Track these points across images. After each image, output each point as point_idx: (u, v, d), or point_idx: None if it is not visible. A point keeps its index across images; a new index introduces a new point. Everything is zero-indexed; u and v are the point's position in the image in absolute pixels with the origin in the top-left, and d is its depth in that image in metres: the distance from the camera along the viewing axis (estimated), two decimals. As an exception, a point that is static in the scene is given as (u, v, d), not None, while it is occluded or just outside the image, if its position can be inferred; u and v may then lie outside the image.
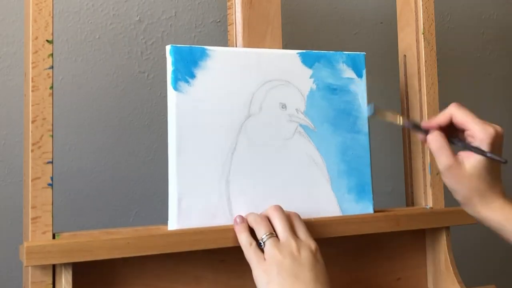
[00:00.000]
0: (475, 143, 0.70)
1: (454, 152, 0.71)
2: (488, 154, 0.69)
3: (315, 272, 0.67)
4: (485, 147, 0.69)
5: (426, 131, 0.74)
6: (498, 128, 0.71)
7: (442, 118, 0.73)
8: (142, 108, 1.03)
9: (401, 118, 0.78)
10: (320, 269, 0.68)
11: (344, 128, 0.82)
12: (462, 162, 0.70)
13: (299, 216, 0.73)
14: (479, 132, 0.69)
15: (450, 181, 0.71)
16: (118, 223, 0.99)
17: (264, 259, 0.68)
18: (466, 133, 0.71)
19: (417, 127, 0.76)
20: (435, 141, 0.71)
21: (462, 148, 0.72)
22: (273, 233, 0.69)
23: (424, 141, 0.75)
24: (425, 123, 0.74)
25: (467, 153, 0.70)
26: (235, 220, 0.72)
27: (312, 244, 0.70)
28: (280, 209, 0.72)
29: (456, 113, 0.72)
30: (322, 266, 0.69)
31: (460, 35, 1.38)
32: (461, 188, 0.70)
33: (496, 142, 0.70)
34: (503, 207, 0.70)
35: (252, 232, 0.71)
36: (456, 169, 0.70)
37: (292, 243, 0.68)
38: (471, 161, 0.70)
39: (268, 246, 0.68)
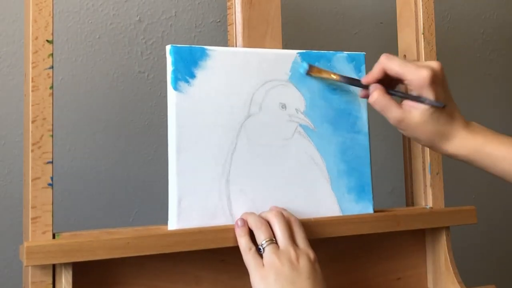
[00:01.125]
0: (414, 90, 0.69)
1: (399, 103, 0.71)
2: (426, 101, 0.68)
3: (313, 281, 0.67)
4: (425, 90, 0.68)
5: (365, 85, 0.74)
6: (434, 64, 0.70)
7: (376, 72, 0.72)
8: (142, 108, 1.03)
9: (336, 75, 0.78)
10: (318, 279, 0.68)
11: (344, 128, 0.82)
12: (410, 111, 0.70)
13: (299, 222, 0.73)
14: (414, 79, 0.69)
15: (406, 132, 0.71)
16: (118, 223, 0.99)
17: (263, 265, 0.68)
18: (404, 82, 0.71)
19: (354, 82, 0.76)
20: (379, 101, 0.71)
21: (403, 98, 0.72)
22: (273, 240, 0.69)
23: (365, 97, 0.75)
24: (364, 79, 0.74)
25: (411, 102, 0.70)
26: (236, 223, 0.72)
27: (311, 253, 0.70)
28: (280, 215, 0.72)
29: (387, 65, 0.71)
30: (320, 275, 0.69)
31: (460, 35, 1.38)
32: (419, 135, 0.70)
33: (436, 81, 0.69)
34: (465, 140, 0.70)
35: (252, 235, 0.71)
36: (407, 120, 0.70)
37: (291, 251, 0.68)
38: (419, 108, 0.69)
39: (267, 252, 0.68)
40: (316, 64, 0.80)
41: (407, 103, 0.70)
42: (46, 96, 0.67)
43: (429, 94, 0.69)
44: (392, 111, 0.70)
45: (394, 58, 0.71)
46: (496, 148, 0.69)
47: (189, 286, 0.74)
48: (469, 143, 0.70)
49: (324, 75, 0.79)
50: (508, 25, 1.46)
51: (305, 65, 0.79)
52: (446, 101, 0.70)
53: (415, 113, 0.69)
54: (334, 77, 0.78)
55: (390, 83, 0.73)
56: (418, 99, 0.69)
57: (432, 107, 0.69)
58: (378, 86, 0.72)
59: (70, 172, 0.97)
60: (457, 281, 0.86)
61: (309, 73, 0.79)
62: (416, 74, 0.69)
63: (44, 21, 0.68)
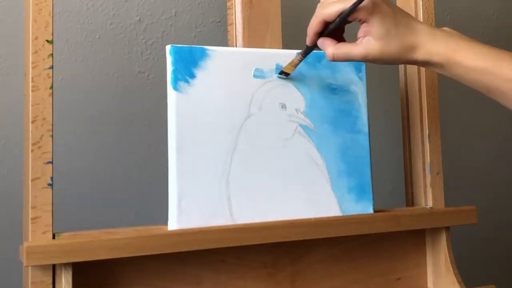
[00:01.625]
0: (361, 19, 0.68)
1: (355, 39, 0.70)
2: (352, 6, 0.66)
3: None
4: (369, 16, 0.67)
5: (314, 45, 0.72)
6: None
7: (315, 26, 0.70)
8: (142, 108, 1.03)
9: (298, 56, 0.76)
10: None
11: (344, 128, 0.82)
12: (369, 42, 0.68)
13: None
14: (361, 9, 0.67)
15: (379, 62, 0.70)
16: (118, 223, 0.99)
17: None
18: (350, 17, 0.68)
19: (308, 49, 0.74)
20: (337, 56, 0.69)
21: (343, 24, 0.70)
22: None
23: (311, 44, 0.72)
24: (308, 40, 0.72)
25: (364, 29, 0.68)
26: None
27: None
28: None
29: (324, 11, 0.69)
30: None
31: (460, 35, 1.38)
32: (388, 57, 0.68)
33: (377, 4, 0.68)
34: (435, 47, 0.68)
35: None
36: (372, 52, 0.68)
37: None
38: (373, 31, 0.68)
39: None
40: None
41: (361, 35, 0.69)
42: (46, 96, 0.67)
43: (374, 18, 0.67)
44: (354, 52, 0.69)
45: (329, 3, 0.69)
46: (467, 57, 0.68)
47: (190, 286, 0.74)
48: (440, 50, 0.68)
49: (294, 62, 0.77)
50: (508, 25, 1.46)
51: (277, 74, 0.79)
52: (397, 14, 0.69)
53: (374, 40, 0.68)
54: (300, 57, 0.76)
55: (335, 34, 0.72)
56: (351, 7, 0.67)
57: (385, 25, 0.67)
58: (326, 41, 0.70)
59: (70, 172, 0.97)
60: (457, 281, 0.86)
61: (283, 73, 0.78)
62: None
63: (44, 21, 0.68)
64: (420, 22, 0.71)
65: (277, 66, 0.79)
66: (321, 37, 0.71)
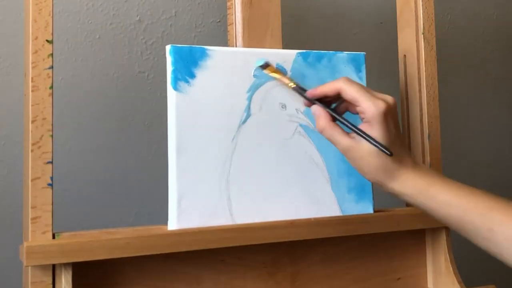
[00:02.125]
0: (365, 119, 0.67)
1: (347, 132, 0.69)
2: (375, 143, 0.65)
3: None
4: (376, 122, 0.66)
5: (311, 99, 0.71)
6: (389, 99, 0.68)
7: (328, 89, 0.69)
8: (142, 108, 1.03)
9: (291, 82, 0.74)
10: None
11: (344, 128, 0.82)
12: (360, 141, 0.67)
13: None
14: (368, 107, 0.66)
15: (353, 163, 0.68)
16: (118, 223, 0.99)
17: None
18: (357, 108, 0.68)
19: (303, 93, 0.72)
20: (326, 130, 0.68)
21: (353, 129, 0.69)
22: None
23: (308, 106, 0.72)
24: (310, 92, 0.71)
25: (364, 127, 0.67)
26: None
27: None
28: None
29: (346, 88, 0.68)
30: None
31: (460, 35, 1.38)
32: (365, 168, 0.67)
33: (389, 115, 0.67)
34: (411, 180, 0.67)
35: None
36: (354, 152, 0.67)
37: None
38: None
39: None
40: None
41: (360, 125, 0.68)
42: (46, 96, 0.67)
43: (379, 127, 0.66)
44: (340, 141, 0.67)
45: (354, 84, 0.68)
46: (441, 191, 0.66)
47: (189, 286, 0.74)
48: (415, 183, 0.67)
49: (277, 76, 0.76)
50: (508, 25, 1.46)
51: (262, 62, 0.77)
52: (396, 138, 0.68)
53: (364, 144, 0.66)
54: (289, 83, 0.74)
55: (330, 101, 0.71)
56: (367, 137, 0.66)
57: (383, 137, 0.66)
58: (322, 112, 0.69)
59: (70, 172, 0.97)
60: (457, 281, 0.86)
61: (263, 68, 0.77)
62: (372, 103, 0.66)
63: (44, 21, 0.68)
64: (409, 153, 0.70)
65: (277, 66, 0.78)
66: (321, 104, 0.70)
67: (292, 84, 0.74)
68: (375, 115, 0.66)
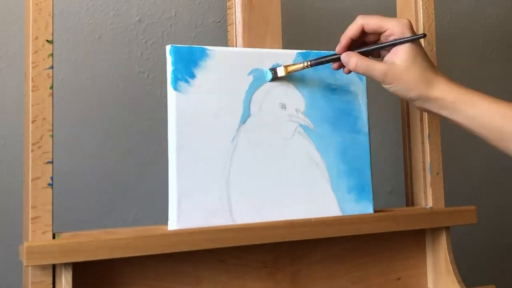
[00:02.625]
0: (394, 36, 0.72)
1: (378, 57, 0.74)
2: (408, 38, 0.71)
3: None
4: (406, 34, 0.71)
5: (337, 58, 0.75)
6: (405, 19, 0.74)
7: (351, 32, 0.74)
8: (142, 108, 1.03)
9: (307, 62, 0.77)
10: None
11: (344, 128, 0.82)
12: (392, 62, 0.71)
13: None
14: (395, 25, 0.72)
15: (394, 87, 0.72)
16: (118, 223, 0.99)
17: None
18: (384, 34, 0.73)
19: (326, 59, 0.76)
20: (360, 65, 0.72)
21: (380, 52, 0.74)
22: None
23: (339, 68, 0.76)
24: (338, 47, 0.75)
25: (392, 52, 0.72)
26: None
27: None
28: None
29: (367, 21, 0.73)
30: None
31: (460, 35, 1.38)
32: (406, 84, 0.71)
33: (412, 29, 0.73)
34: (451, 86, 0.71)
35: None
36: (392, 71, 0.71)
37: None
38: (400, 55, 0.71)
39: None
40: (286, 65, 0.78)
41: (388, 57, 0.72)
42: (46, 96, 0.67)
43: (408, 43, 0.71)
44: (376, 67, 0.71)
45: (372, 15, 0.74)
46: (481, 98, 0.70)
47: (189, 286, 0.74)
48: (454, 89, 0.71)
49: (295, 68, 0.78)
50: (508, 25, 1.46)
51: (269, 73, 0.78)
52: (423, 50, 0.73)
53: (398, 62, 0.71)
54: (306, 64, 0.77)
55: (359, 47, 0.75)
56: (398, 40, 0.71)
57: (414, 47, 0.71)
58: (350, 52, 0.73)
59: (70, 172, 0.97)
60: (457, 281, 0.86)
61: (275, 77, 0.78)
62: (396, 21, 0.72)
63: (44, 21, 0.67)
64: (435, 66, 0.74)
65: (277, 66, 0.78)
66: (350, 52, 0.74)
67: (308, 64, 0.76)
68: (403, 27, 0.71)
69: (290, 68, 0.78)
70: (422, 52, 0.72)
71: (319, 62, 0.76)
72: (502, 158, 1.42)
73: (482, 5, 1.42)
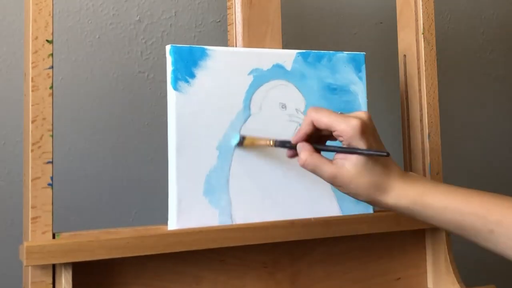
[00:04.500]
0: (345, 141, 0.66)
1: (331, 157, 0.67)
2: (366, 152, 0.64)
3: None
4: (356, 141, 0.65)
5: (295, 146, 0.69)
6: (362, 114, 0.66)
7: (305, 127, 0.68)
8: (142, 108, 1.03)
9: (270, 141, 0.73)
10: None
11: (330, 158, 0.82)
12: (343, 165, 0.65)
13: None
14: (344, 129, 0.65)
15: (343, 189, 0.67)
16: (118, 223, 0.99)
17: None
18: (334, 133, 0.66)
19: (286, 144, 0.71)
20: (308, 162, 0.66)
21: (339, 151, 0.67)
22: None
23: (293, 157, 0.70)
24: (294, 138, 0.69)
25: (341, 154, 0.66)
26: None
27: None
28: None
29: (315, 117, 0.67)
30: None
31: (460, 35, 1.38)
32: (355, 189, 0.66)
33: (366, 131, 0.65)
34: (404, 191, 0.66)
35: None
36: (341, 176, 0.65)
37: None
38: (351, 158, 0.65)
39: None
40: (248, 135, 0.76)
41: (339, 157, 0.66)
42: (46, 96, 0.67)
43: (361, 145, 0.65)
44: (324, 168, 0.66)
45: (322, 110, 0.67)
46: (436, 198, 0.65)
47: (189, 286, 0.74)
48: (408, 193, 0.65)
49: (260, 143, 0.75)
50: (508, 25, 1.46)
51: (237, 138, 0.75)
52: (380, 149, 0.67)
53: (348, 167, 0.65)
54: (269, 143, 0.73)
55: (319, 140, 0.70)
56: (355, 150, 0.65)
57: (364, 158, 0.65)
58: (304, 145, 0.68)
59: (70, 172, 0.97)
60: (457, 281, 0.86)
61: (241, 144, 0.75)
62: (346, 123, 0.65)
63: (44, 21, 0.68)
64: (395, 163, 0.68)
65: (277, 65, 0.78)
66: (305, 142, 0.68)
67: (272, 142, 0.72)
68: (352, 134, 0.64)
69: (255, 142, 0.75)
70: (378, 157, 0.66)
71: (281, 145, 0.72)
72: (502, 158, 1.43)
73: (482, 5, 1.42)
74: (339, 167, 0.65)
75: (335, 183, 0.66)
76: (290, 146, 0.70)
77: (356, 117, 0.65)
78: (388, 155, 0.64)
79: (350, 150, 0.65)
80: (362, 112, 0.67)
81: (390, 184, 0.66)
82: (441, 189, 0.66)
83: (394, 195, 0.66)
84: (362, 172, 0.65)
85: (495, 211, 0.62)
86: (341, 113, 0.67)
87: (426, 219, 0.66)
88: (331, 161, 0.66)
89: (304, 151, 0.67)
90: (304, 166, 0.67)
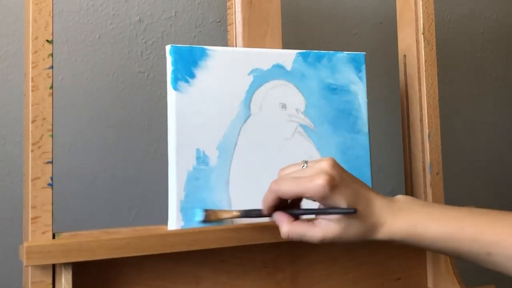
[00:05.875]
0: (319, 202, 0.64)
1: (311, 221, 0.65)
2: (335, 211, 0.63)
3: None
4: (330, 199, 0.62)
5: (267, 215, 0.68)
6: (324, 165, 0.63)
7: (273, 201, 0.66)
8: (142, 108, 1.03)
9: (236, 212, 0.71)
10: None
11: (344, 128, 0.82)
12: (328, 225, 0.63)
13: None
14: (313, 194, 0.62)
15: (338, 242, 0.64)
16: (118, 223, 0.99)
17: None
18: (305, 198, 0.65)
19: (253, 213, 0.70)
20: (292, 234, 0.64)
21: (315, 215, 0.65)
22: None
23: (269, 216, 0.68)
24: (264, 210, 0.67)
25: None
26: None
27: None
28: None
29: (280, 191, 0.64)
30: None
31: (460, 35, 1.38)
32: (348, 240, 0.64)
33: (335, 184, 0.62)
34: (395, 226, 0.64)
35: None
36: (330, 236, 0.63)
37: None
38: (333, 219, 0.63)
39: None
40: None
41: (320, 217, 0.64)
42: (46, 96, 0.67)
43: (335, 201, 0.62)
44: (310, 234, 0.64)
45: (283, 181, 0.64)
46: (429, 228, 0.63)
47: (189, 286, 0.74)
48: (400, 227, 0.64)
49: (224, 216, 0.72)
50: (508, 25, 1.46)
51: (200, 215, 0.72)
52: (355, 195, 0.64)
53: (333, 225, 0.63)
54: (234, 214, 0.72)
55: (292, 203, 0.68)
56: (325, 211, 0.63)
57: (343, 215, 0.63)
58: (281, 217, 0.66)
59: (70, 172, 0.97)
60: (457, 281, 0.86)
61: (205, 220, 0.72)
62: (312, 187, 0.62)
63: (44, 21, 0.68)
64: (376, 194, 0.66)
65: (277, 65, 0.78)
66: (277, 211, 0.67)
67: (238, 213, 0.71)
68: (323, 195, 0.62)
69: (220, 215, 0.73)
70: (356, 197, 0.63)
71: (247, 215, 0.71)
72: (502, 158, 1.43)
73: (482, 5, 1.42)
74: (323, 228, 0.63)
75: (326, 242, 0.64)
76: (256, 215, 0.69)
77: (320, 173, 0.62)
78: (355, 211, 0.62)
79: (320, 211, 0.64)
80: (324, 161, 0.64)
81: (379, 221, 0.64)
82: (432, 216, 0.65)
83: (386, 231, 0.64)
84: (348, 225, 0.63)
85: (490, 234, 0.62)
86: (303, 162, 0.65)
87: (423, 248, 0.67)
88: (313, 223, 0.64)
89: (283, 223, 0.65)
90: (288, 238, 0.65)
